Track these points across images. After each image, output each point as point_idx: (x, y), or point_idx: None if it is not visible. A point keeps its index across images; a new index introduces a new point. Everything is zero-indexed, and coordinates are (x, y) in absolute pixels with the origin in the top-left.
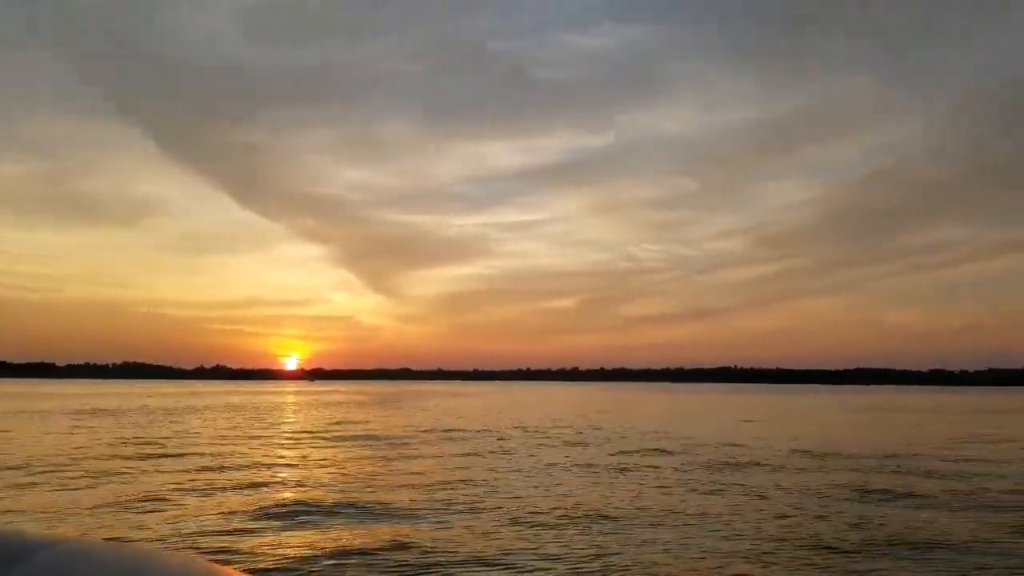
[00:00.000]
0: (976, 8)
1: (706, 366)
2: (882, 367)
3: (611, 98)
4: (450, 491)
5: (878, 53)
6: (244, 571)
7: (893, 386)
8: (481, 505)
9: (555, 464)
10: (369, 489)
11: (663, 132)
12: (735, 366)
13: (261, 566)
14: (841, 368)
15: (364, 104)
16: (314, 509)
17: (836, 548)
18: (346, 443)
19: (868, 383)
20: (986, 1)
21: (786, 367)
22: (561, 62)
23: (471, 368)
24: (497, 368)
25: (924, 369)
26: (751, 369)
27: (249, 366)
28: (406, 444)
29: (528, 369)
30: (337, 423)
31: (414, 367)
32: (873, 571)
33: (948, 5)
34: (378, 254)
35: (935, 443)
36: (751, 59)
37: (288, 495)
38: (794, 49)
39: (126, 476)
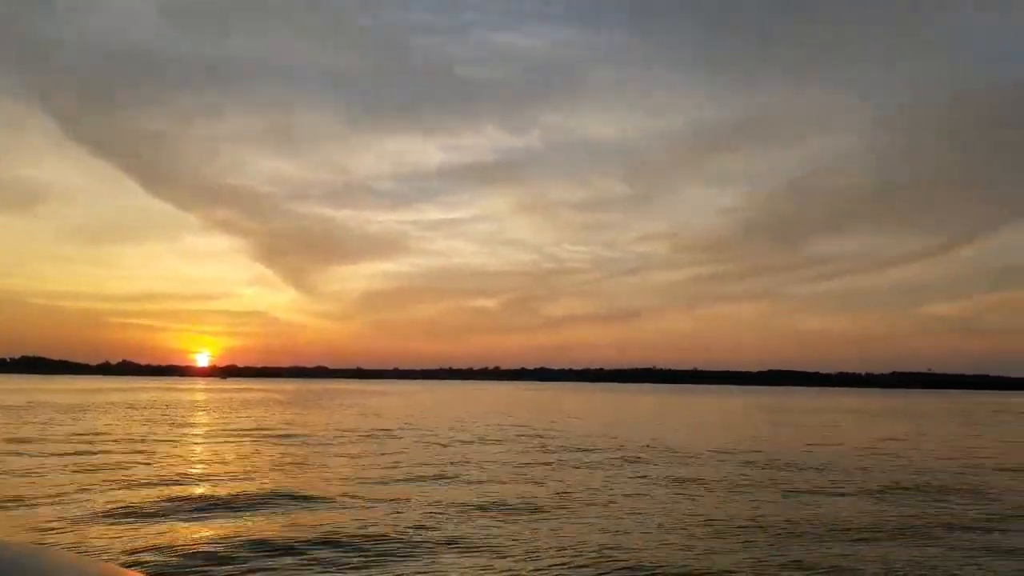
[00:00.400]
0: (898, 31)
1: (627, 367)
2: (795, 370)
3: (539, 99)
4: (361, 486)
5: (801, 67)
6: (147, 573)
7: (804, 388)
8: (398, 499)
9: (470, 462)
10: (287, 486)
11: (590, 134)
12: (655, 367)
13: (162, 564)
14: (756, 370)
15: (283, 94)
16: (223, 506)
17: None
18: (257, 441)
19: (781, 385)
20: (908, 25)
21: (704, 369)
22: (488, 60)
23: (391, 367)
24: (418, 367)
25: (833, 372)
26: (671, 370)
27: (158, 362)
28: (325, 444)
29: (450, 369)
30: (250, 422)
31: (332, 366)
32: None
33: (870, 26)
34: (296, 249)
35: (801, 441)
36: (679, 67)
37: (198, 491)
38: (721, 59)
39: (30, 475)
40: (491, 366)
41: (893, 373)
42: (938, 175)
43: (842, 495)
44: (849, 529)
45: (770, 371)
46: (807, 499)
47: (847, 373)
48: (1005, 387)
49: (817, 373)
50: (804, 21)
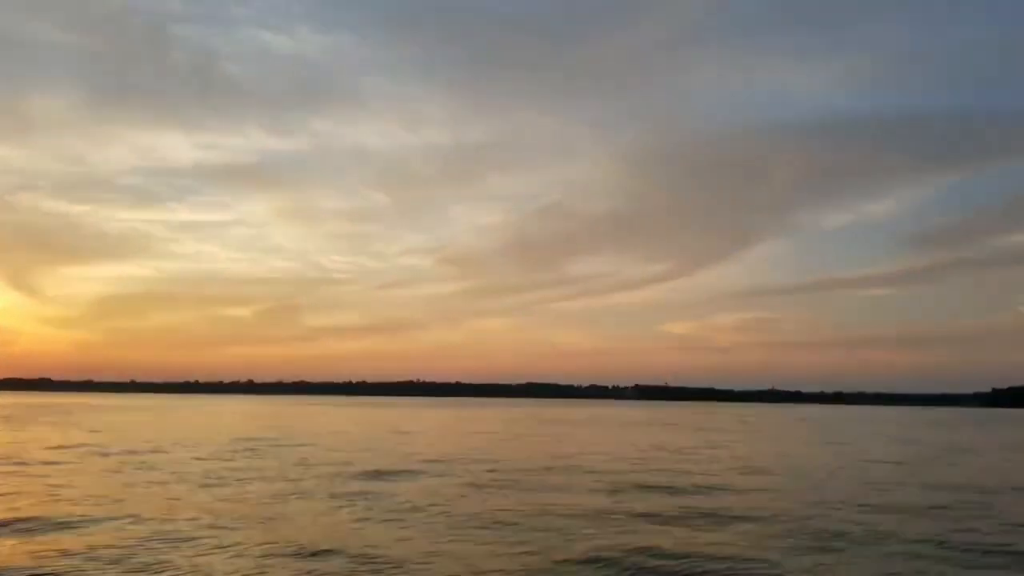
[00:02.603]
0: (645, 71)
1: (390, 380)
2: (550, 382)
3: (306, 103)
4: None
5: (559, 94)
6: None
7: (559, 400)
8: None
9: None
10: None
11: (359, 144)
12: (417, 380)
13: None
14: (516, 383)
15: (14, 73)
16: None
17: None
18: None
19: (539, 397)
20: (654, 65)
21: (465, 381)
22: (256, 59)
23: (128, 379)
24: (160, 380)
25: (584, 384)
26: (433, 383)
27: None
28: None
29: (196, 382)
30: None
31: (57, 377)
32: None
33: (620, 62)
34: (19, 245)
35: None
36: (450, 85)
37: None
38: (489, 83)
39: None
40: (244, 379)
41: (636, 386)
42: (677, 206)
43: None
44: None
45: (528, 384)
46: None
47: (597, 386)
48: (735, 399)
49: (571, 386)
50: (567, 55)
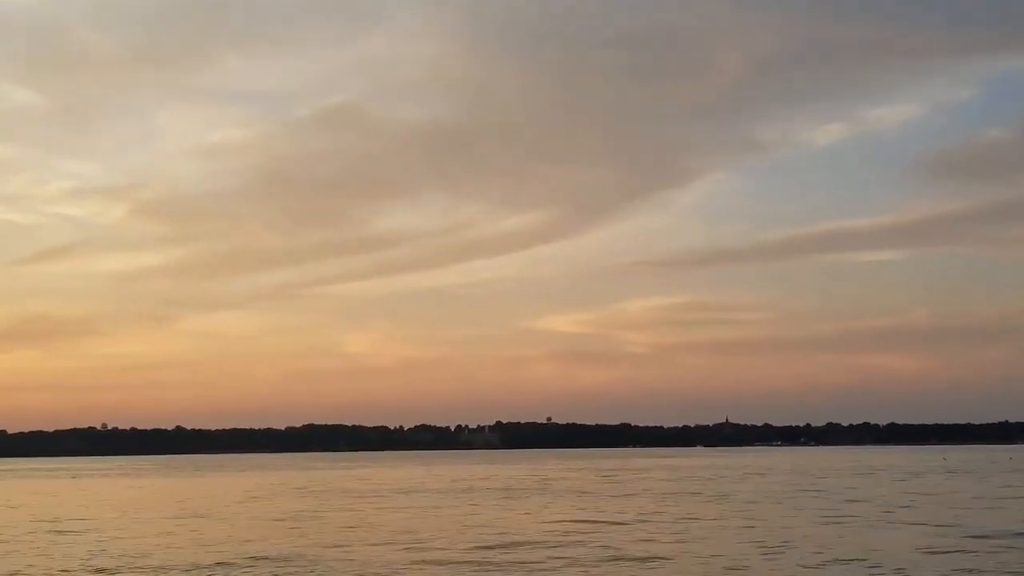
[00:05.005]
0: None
1: (40, 427)
2: (340, 423)
3: None
4: None
5: None
6: None
7: (358, 453)
8: None
9: None
10: None
11: None
12: (98, 426)
13: None
14: (276, 426)
15: None
16: None
17: None
18: None
19: (321, 449)
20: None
21: (186, 426)
22: None
23: None
24: None
25: (407, 424)
26: (121, 431)
27: None
28: None
29: None
30: None
31: None
32: None
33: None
34: None
35: None
36: None
37: None
38: None
39: None
40: None
41: (496, 425)
42: (554, 115)
43: None
44: None
45: (304, 427)
46: None
47: (428, 426)
48: (662, 441)
49: (380, 427)
50: None
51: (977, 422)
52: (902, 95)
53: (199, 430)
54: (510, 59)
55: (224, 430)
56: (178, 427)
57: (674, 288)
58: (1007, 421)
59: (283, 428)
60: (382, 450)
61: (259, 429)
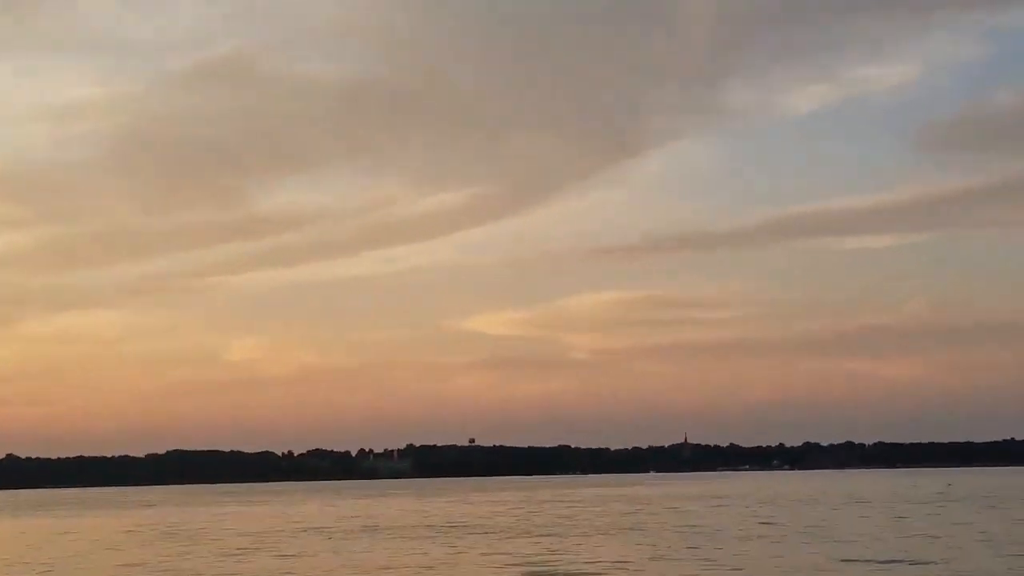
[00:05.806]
0: None
1: None
2: (219, 448)
3: None
4: None
5: None
6: None
7: (244, 485)
8: None
9: None
10: None
11: None
12: None
13: None
14: (144, 453)
15: None
16: None
17: None
18: None
19: (196, 481)
20: None
21: (26, 455)
22: None
23: None
24: None
25: (297, 448)
26: None
27: None
28: None
29: None
30: None
31: None
32: None
33: None
34: None
35: None
36: None
37: None
38: None
39: None
40: None
41: (408, 448)
42: (474, 72)
43: None
44: None
45: (170, 453)
46: None
47: (324, 451)
48: (613, 467)
49: (267, 453)
50: None
51: (979, 440)
52: (895, 53)
53: (36, 458)
54: (440, 4)
55: (67, 459)
56: (9, 455)
57: (627, 281)
58: (1013, 439)
59: (142, 455)
60: (266, 481)
61: (112, 457)
